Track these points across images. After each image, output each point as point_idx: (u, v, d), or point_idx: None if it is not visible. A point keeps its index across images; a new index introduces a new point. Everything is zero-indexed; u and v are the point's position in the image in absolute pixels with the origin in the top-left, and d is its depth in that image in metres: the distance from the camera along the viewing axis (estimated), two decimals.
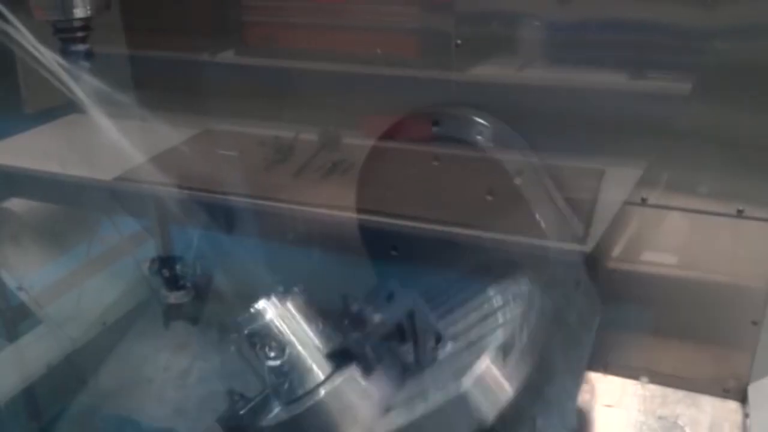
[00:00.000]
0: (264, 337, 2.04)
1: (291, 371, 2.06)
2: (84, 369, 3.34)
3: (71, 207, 3.52)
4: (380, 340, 2.09)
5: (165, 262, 2.84)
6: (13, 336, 3.38)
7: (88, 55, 2.52)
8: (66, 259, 3.55)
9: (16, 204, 3.40)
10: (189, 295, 2.80)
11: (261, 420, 2.11)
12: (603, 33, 2.53)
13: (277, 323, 2.05)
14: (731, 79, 2.41)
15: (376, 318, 2.07)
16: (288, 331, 2.06)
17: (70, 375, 3.30)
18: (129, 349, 3.44)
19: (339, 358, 2.07)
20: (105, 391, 3.28)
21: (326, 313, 2.16)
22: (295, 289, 2.14)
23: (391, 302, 2.20)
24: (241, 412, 2.13)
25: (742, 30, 2.37)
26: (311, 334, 2.08)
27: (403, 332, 2.12)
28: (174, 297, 2.79)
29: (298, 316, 2.09)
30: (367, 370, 2.05)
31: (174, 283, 2.80)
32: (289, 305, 2.09)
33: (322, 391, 2.04)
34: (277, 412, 2.10)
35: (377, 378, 2.07)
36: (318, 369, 2.08)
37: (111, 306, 3.51)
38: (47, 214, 3.45)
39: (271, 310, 2.07)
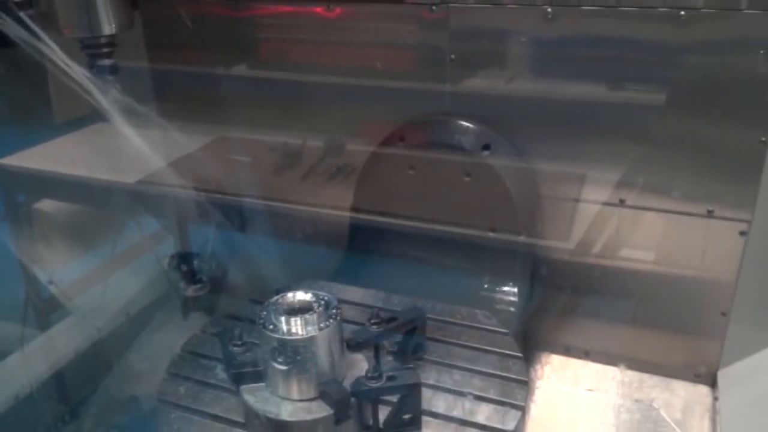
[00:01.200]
0: (285, 347, 2.07)
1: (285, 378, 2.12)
2: (109, 356, 3.35)
3: (97, 208, 3.54)
4: None
5: (183, 258, 2.86)
6: (44, 326, 3.41)
7: (113, 69, 2.56)
8: (93, 255, 3.57)
9: (47, 205, 3.42)
10: (205, 289, 2.83)
11: None
12: (585, 48, 2.57)
13: (302, 346, 2.06)
14: (702, 90, 2.46)
15: None
16: (304, 356, 2.06)
17: (96, 361, 3.31)
18: (150, 337, 3.46)
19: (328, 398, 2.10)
20: (129, 375, 3.30)
21: None
22: (334, 311, 2.12)
23: None
24: None
25: (712, 46, 2.41)
26: (321, 365, 2.10)
27: None
28: (191, 290, 2.83)
29: (322, 347, 2.09)
30: (341, 418, 2.08)
31: (191, 277, 2.84)
32: (324, 333, 2.07)
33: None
34: None
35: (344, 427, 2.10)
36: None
37: (134, 298, 3.52)
38: (76, 215, 3.47)
39: (303, 330, 2.08)
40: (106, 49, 2.56)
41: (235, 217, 3.11)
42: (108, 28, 2.51)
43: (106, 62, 2.56)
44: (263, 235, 3.15)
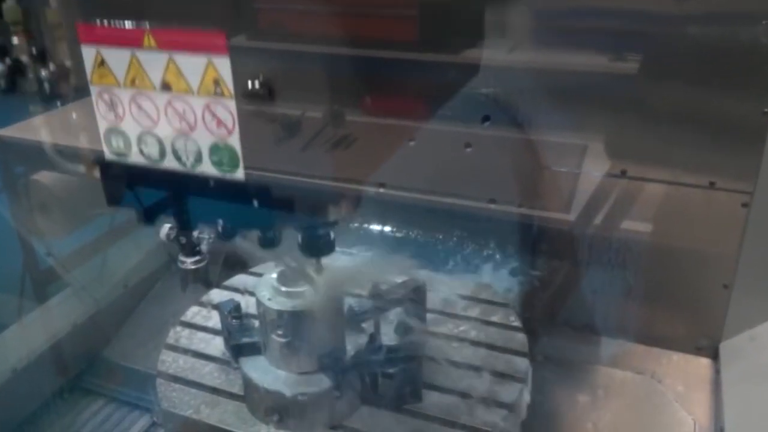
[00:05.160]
0: (284, 320, 2.08)
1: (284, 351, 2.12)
2: (107, 327, 3.36)
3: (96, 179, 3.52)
4: None
5: (182, 230, 2.86)
6: (42, 297, 3.41)
7: None
8: (91, 227, 3.56)
9: (45, 176, 3.41)
10: (204, 261, 2.82)
11: None
12: (589, 19, 2.54)
13: (302, 318, 2.08)
14: (705, 62, 2.44)
15: None
16: (304, 328, 2.08)
17: (94, 333, 3.32)
18: (149, 309, 3.46)
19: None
20: (127, 347, 3.30)
21: None
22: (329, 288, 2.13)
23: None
24: None
25: (713, 17, 2.39)
26: (321, 337, 2.11)
27: None
28: (190, 262, 2.81)
29: (322, 319, 2.10)
30: (341, 390, 2.09)
31: (190, 249, 2.82)
32: (324, 305, 2.08)
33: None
34: None
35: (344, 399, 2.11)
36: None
37: (132, 270, 3.53)
38: (74, 186, 3.46)
39: (302, 301, 2.08)
40: None
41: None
42: None
43: None
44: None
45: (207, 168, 1.51)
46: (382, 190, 2.80)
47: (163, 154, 1.55)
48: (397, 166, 2.68)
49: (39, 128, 3.29)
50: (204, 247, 2.82)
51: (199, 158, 1.51)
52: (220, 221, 1.72)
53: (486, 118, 2.72)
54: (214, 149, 1.49)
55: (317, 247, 1.97)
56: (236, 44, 1.52)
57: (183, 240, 2.82)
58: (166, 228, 2.81)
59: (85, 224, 3.54)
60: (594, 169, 2.73)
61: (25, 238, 3.34)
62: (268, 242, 1.74)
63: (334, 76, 1.94)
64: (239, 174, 1.51)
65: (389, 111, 2.86)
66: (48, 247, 3.39)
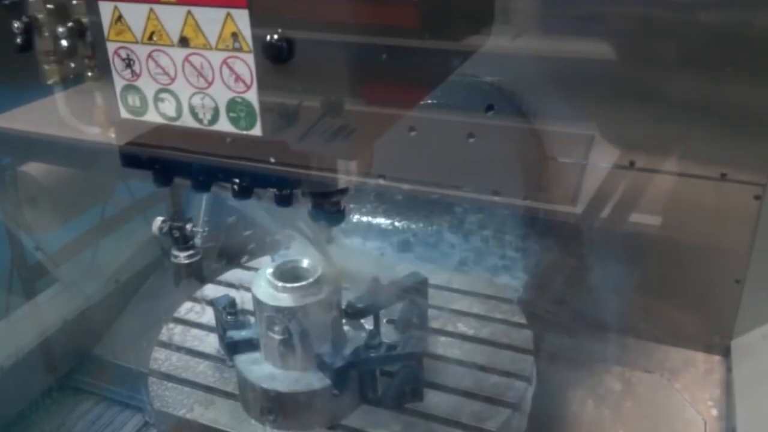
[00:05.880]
0: (281, 316, 2.05)
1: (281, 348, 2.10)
2: (98, 324, 3.35)
3: (87, 170, 3.52)
4: None
5: (175, 223, 2.84)
6: (30, 293, 3.38)
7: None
8: (81, 220, 3.54)
9: (33, 167, 3.39)
10: (198, 255, 2.80)
11: None
12: (597, 5, 2.52)
13: (298, 314, 2.05)
14: (717, 49, 2.42)
15: None
16: (300, 325, 2.06)
17: (84, 330, 3.31)
18: (141, 305, 3.45)
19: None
20: (118, 344, 3.29)
21: None
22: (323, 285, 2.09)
23: None
24: None
25: (726, 3, 2.38)
26: (318, 334, 2.08)
27: None
28: (183, 256, 2.79)
29: (319, 316, 2.08)
30: (339, 389, 2.06)
31: (184, 243, 2.80)
32: (321, 301, 2.06)
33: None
34: None
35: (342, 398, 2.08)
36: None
37: (124, 264, 3.52)
38: (63, 177, 3.44)
39: (299, 297, 2.05)
40: None
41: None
42: None
43: None
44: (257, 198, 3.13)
45: (224, 125, 1.49)
46: (381, 181, 2.78)
47: (179, 111, 1.52)
48: (398, 157, 2.67)
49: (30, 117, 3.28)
50: (198, 241, 2.79)
51: (216, 115, 1.49)
52: (235, 180, 1.68)
53: (490, 108, 2.70)
54: (231, 105, 1.46)
55: (326, 214, 1.91)
56: None
57: (176, 233, 2.80)
58: (158, 221, 2.78)
59: (75, 218, 3.52)
60: (601, 161, 2.71)
61: (13, 231, 3.32)
62: (284, 201, 1.69)
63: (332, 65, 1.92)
64: (257, 131, 1.49)
65: (390, 100, 2.85)
66: (37, 241, 3.36)
